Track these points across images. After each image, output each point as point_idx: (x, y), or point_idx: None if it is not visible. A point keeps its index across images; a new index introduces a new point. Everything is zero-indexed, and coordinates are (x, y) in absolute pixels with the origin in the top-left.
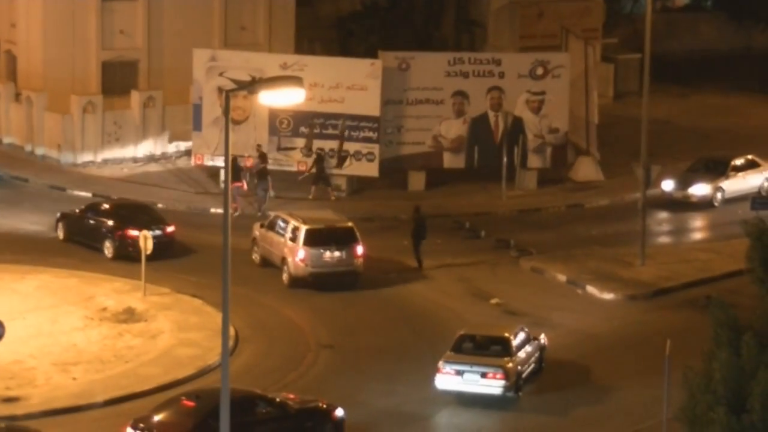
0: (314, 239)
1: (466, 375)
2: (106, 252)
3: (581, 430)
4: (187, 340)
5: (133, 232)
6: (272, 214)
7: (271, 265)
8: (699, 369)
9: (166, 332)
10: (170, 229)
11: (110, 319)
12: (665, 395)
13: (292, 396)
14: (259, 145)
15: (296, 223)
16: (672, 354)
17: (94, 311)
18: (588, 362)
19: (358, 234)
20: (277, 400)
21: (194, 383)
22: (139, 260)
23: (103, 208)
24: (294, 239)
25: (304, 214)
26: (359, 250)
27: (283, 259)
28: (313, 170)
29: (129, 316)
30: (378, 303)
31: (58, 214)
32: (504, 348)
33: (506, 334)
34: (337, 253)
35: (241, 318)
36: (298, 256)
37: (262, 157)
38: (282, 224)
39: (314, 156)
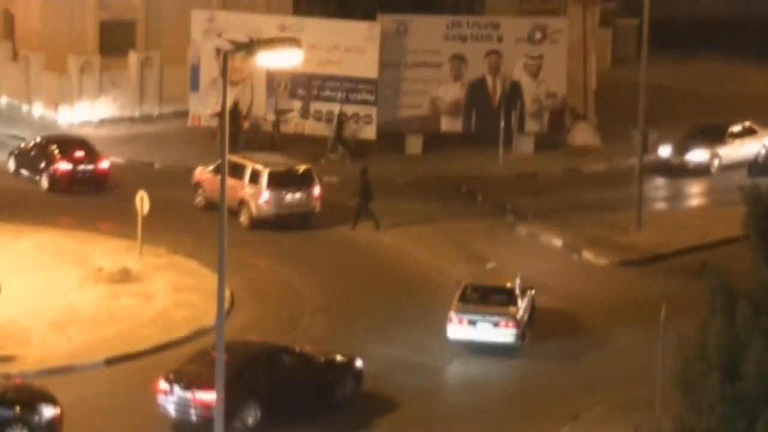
0: (276, 182)
1: (479, 324)
2: (42, 184)
3: (576, 396)
4: (183, 301)
5: (64, 165)
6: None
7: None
8: (693, 335)
9: (161, 293)
10: (103, 164)
11: (106, 279)
12: (660, 361)
13: (308, 348)
14: (235, 102)
15: (256, 167)
16: (667, 320)
17: (90, 271)
18: (583, 328)
19: (315, 176)
20: (302, 352)
21: (189, 345)
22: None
23: (44, 142)
24: (255, 182)
25: (260, 158)
26: (317, 191)
27: (242, 202)
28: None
29: (125, 276)
30: (373, 266)
31: (13, 149)
32: (509, 297)
33: (509, 285)
34: (297, 195)
35: (238, 280)
36: (262, 198)
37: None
38: (237, 167)
39: (335, 119)
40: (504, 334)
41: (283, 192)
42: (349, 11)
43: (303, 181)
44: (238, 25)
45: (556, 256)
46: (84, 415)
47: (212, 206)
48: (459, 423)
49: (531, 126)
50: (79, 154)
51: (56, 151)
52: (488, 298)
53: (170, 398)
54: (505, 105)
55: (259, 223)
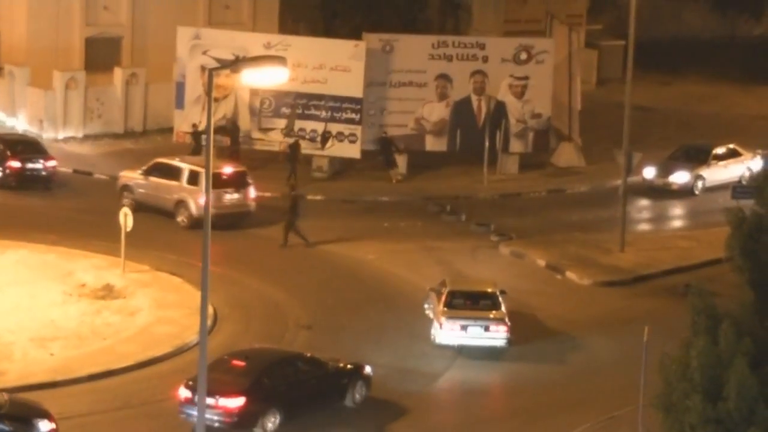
0: (216, 182)
1: (470, 329)
2: None
3: (558, 415)
4: (166, 318)
5: (13, 163)
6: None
7: (149, 209)
8: (676, 356)
9: (144, 309)
10: (51, 163)
11: (89, 295)
12: (642, 382)
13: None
14: (194, 125)
15: (195, 168)
16: (650, 341)
17: (72, 287)
18: (565, 348)
19: (250, 178)
20: (315, 358)
21: (172, 362)
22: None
23: None
24: (194, 183)
25: (194, 160)
26: (252, 192)
27: (179, 203)
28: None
29: (108, 292)
30: (356, 284)
31: None
32: (493, 301)
33: (491, 289)
34: (235, 195)
35: (221, 296)
36: (203, 199)
37: (196, 135)
38: (172, 170)
39: (382, 138)
40: (495, 337)
41: (223, 193)
42: (334, 30)
43: (239, 182)
44: (224, 42)
45: (540, 276)
46: (68, 431)
47: (141, 208)
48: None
49: (516, 146)
50: (29, 153)
51: (8, 150)
52: (475, 303)
53: (191, 405)
54: (490, 125)
55: (198, 224)
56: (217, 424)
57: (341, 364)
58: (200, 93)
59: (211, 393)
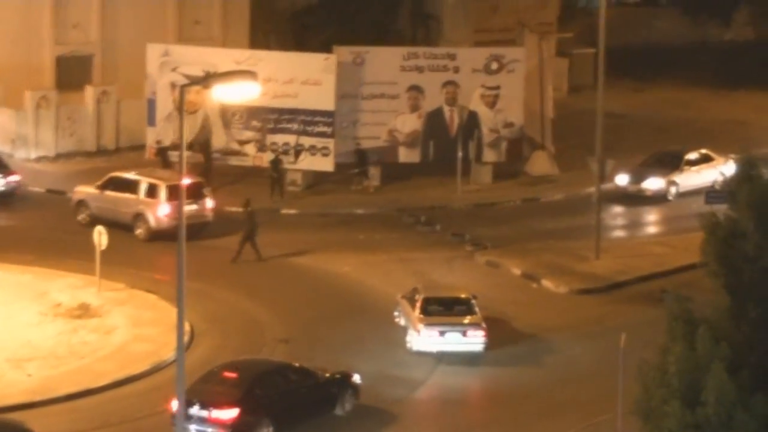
0: (173, 194)
1: (448, 335)
2: None
3: (538, 423)
4: (142, 336)
5: None
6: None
7: (105, 223)
8: (654, 362)
9: (120, 328)
10: (12, 178)
11: (65, 314)
12: (620, 389)
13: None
14: (158, 141)
15: (153, 181)
16: (627, 347)
17: (48, 307)
18: (543, 356)
19: (206, 189)
20: (305, 368)
21: (149, 379)
22: None
23: None
24: (153, 196)
25: (151, 173)
26: (209, 203)
27: (138, 216)
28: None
29: (83, 311)
30: (333, 296)
31: None
32: (468, 307)
33: (464, 295)
34: (194, 206)
35: (197, 312)
36: (162, 212)
37: (162, 151)
38: (129, 183)
39: (357, 149)
40: (473, 342)
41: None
42: (305, 43)
43: (197, 194)
44: (194, 58)
45: (516, 285)
46: None
47: (97, 222)
48: None
49: (489, 156)
50: None
51: None
52: (450, 309)
53: (185, 418)
54: (462, 135)
55: (157, 236)
56: None
57: (330, 374)
58: (171, 110)
59: (204, 405)
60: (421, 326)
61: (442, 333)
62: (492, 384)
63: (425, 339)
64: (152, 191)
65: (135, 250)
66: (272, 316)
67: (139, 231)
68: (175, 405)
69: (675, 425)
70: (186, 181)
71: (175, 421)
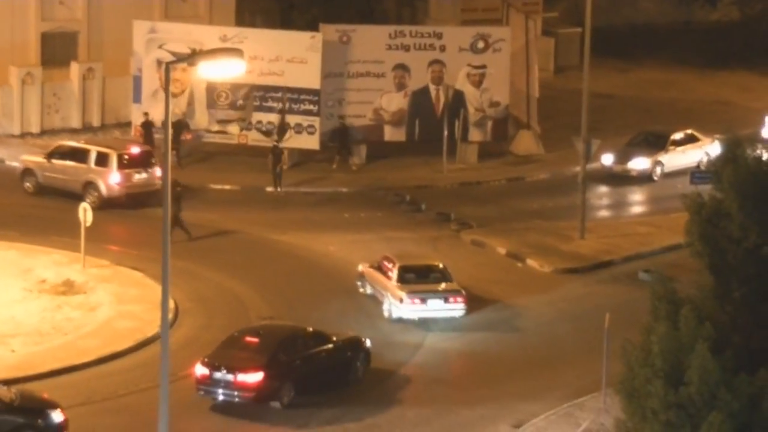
0: (125, 163)
1: (430, 301)
2: None
3: (520, 403)
4: (127, 313)
5: None
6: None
7: (53, 192)
8: (637, 342)
9: (105, 305)
10: None
11: (49, 291)
12: (604, 368)
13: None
14: (145, 113)
15: (103, 150)
16: (611, 327)
17: (32, 283)
18: (527, 335)
19: (156, 158)
20: (321, 332)
21: (133, 356)
22: None
23: None
24: (104, 164)
25: (101, 141)
26: (158, 171)
27: (88, 184)
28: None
29: (68, 288)
30: (317, 275)
31: None
32: (443, 274)
33: (438, 263)
34: (144, 175)
35: (182, 290)
36: (113, 180)
37: (146, 125)
38: (78, 152)
39: (338, 125)
40: (454, 308)
41: (131, 173)
42: (291, 21)
43: (146, 162)
44: (180, 36)
45: (501, 264)
46: None
47: (43, 191)
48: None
49: (474, 135)
50: None
51: None
52: (426, 276)
53: (210, 383)
54: (448, 114)
55: (107, 204)
56: (237, 400)
57: (346, 337)
58: (157, 87)
59: (230, 369)
60: (403, 294)
61: (424, 300)
62: (473, 366)
63: (408, 306)
64: (102, 160)
65: (67, 216)
66: (256, 294)
67: (90, 200)
68: (198, 369)
69: (658, 404)
70: (136, 149)
71: (199, 385)
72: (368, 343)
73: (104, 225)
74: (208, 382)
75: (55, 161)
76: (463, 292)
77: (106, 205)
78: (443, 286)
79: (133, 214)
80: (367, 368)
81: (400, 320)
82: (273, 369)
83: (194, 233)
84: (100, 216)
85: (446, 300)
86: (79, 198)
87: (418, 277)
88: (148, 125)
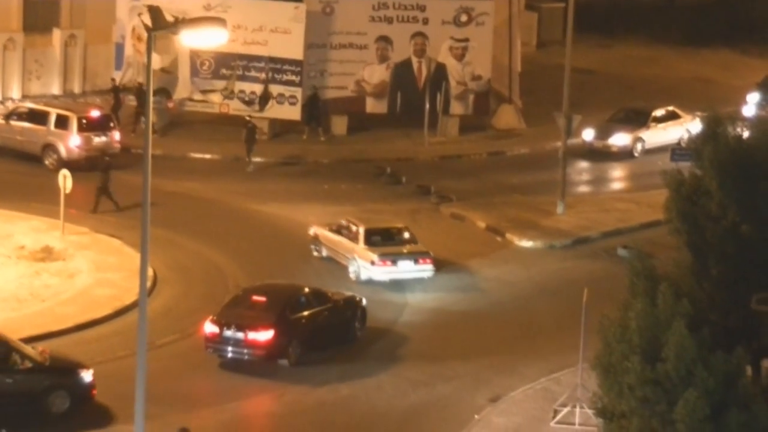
0: (84, 126)
1: (400, 263)
2: None
3: (496, 378)
4: (105, 280)
5: None
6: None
7: (9, 153)
8: (615, 318)
9: (83, 272)
10: None
11: (28, 257)
12: (582, 343)
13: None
14: (113, 79)
15: (63, 113)
16: (589, 302)
17: (11, 249)
18: (505, 309)
19: (114, 121)
20: (323, 291)
21: (111, 324)
22: None
23: None
24: (64, 127)
25: (60, 104)
26: (116, 135)
27: (48, 146)
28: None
29: (47, 255)
30: (296, 246)
31: None
32: (410, 236)
33: (401, 225)
34: (103, 138)
35: (161, 259)
36: (73, 142)
37: (116, 90)
38: (37, 114)
39: (309, 94)
40: (424, 269)
41: (91, 136)
42: None
43: (105, 126)
44: (164, 4)
45: (480, 238)
46: None
47: (1, 152)
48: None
49: (456, 108)
50: None
51: None
52: (392, 238)
53: (220, 341)
54: (430, 87)
55: (66, 166)
56: (246, 358)
57: (345, 296)
58: (132, 54)
59: (240, 327)
60: (374, 256)
61: (395, 262)
62: (452, 340)
63: (379, 269)
64: (62, 122)
65: (45, 182)
66: (235, 264)
67: (49, 161)
68: (208, 327)
69: (635, 380)
70: (95, 113)
71: (208, 344)
72: (364, 302)
73: (83, 192)
74: (218, 341)
75: (13, 123)
76: (431, 253)
77: (65, 167)
78: (411, 247)
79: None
80: (363, 327)
81: (369, 282)
82: (282, 327)
83: (175, 203)
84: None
85: (416, 261)
86: (37, 160)
87: (385, 239)
88: (116, 90)
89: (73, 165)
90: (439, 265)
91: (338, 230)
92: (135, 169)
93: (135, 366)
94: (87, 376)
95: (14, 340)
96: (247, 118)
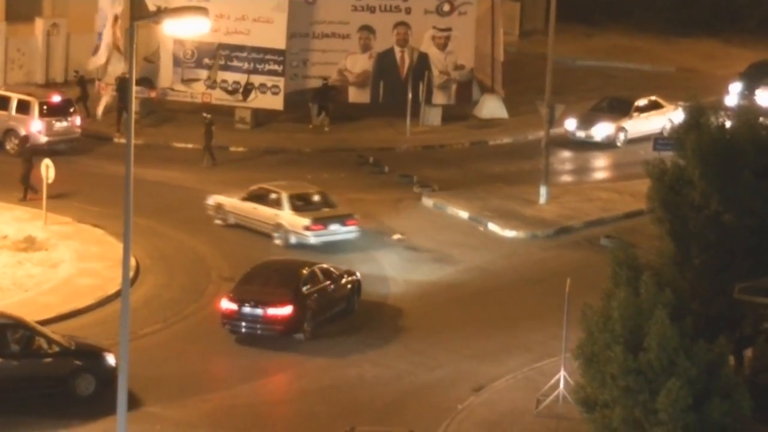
0: (46, 111)
1: (331, 226)
2: None
3: (480, 367)
4: (88, 270)
5: None
6: None
7: None
8: (598, 307)
9: (66, 261)
10: None
11: (10, 247)
12: (564, 333)
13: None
14: (76, 71)
15: (24, 98)
16: (572, 292)
17: None
18: (488, 299)
19: (76, 107)
20: (325, 267)
21: (94, 313)
22: None
23: None
24: (25, 112)
25: (20, 89)
26: (78, 120)
27: (8, 131)
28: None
29: (29, 244)
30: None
31: None
32: (328, 199)
33: (319, 188)
34: (64, 123)
35: (143, 248)
36: (36, 128)
37: (81, 81)
38: None
39: (320, 86)
40: (351, 230)
41: (53, 121)
42: None
43: (67, 111)
44: None
45: (463, 228)
46: None
47: None
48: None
49: (438, 98)
50: None
51: None
52: (314, 202)
53: (238, 317)
54: (412, 77)
55: (27, 151)
56: (259, 332)
57: (343, 271)
58: (108, 41)
59: (258, 303)
60: (306, 221)
61: (326, 225)
62: (435, 325)
63: (315, 233)
64: (24, 107)
65: (6, 168)
66: (218, 253)
67: (10, 146)
68: (224, 304)
69: (617, 370)
70: (57, 98)
71: (225, 320)
72: (358, 275)
73: (67, 182)
74: (236, 317)
75: None
76: (355, 215)
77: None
78: (338, 210)
79: (92, 172)
80: (359, 300)
81: (300, 247)
82: (299, 302)
83: (157, 192)
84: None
85: (343, 223)
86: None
87: (308, 204)
88: (81, 81)
89: (35, 150)
90: (421, 254)
91: (250, 198)
92: (110, 157)
93: (118, 355)
94: (111, 359)
95: (39, 326)
96: (204, 115)
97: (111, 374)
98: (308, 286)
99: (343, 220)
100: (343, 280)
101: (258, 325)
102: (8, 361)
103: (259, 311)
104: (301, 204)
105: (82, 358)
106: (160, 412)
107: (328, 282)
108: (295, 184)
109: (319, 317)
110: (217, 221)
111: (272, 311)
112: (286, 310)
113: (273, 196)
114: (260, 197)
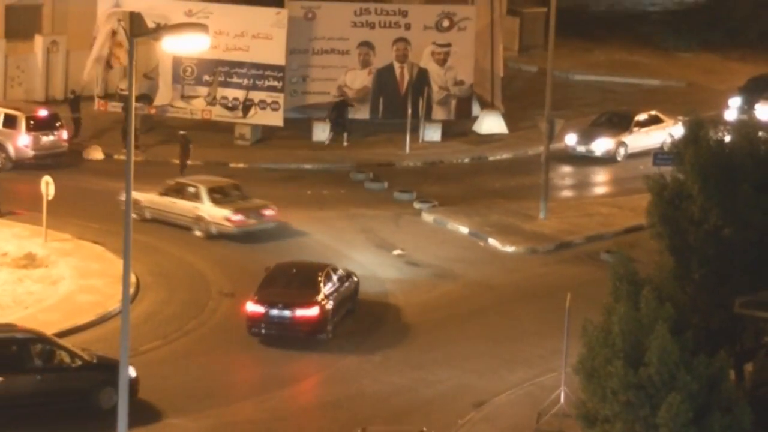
0: (33, 126)
1: (252, 215)
2: None
3: (480, 382)
4: (88, 287)
5: None
6: None
7: None
8: (598, 322)
9: (66, 278)
10: None
11: (10, 264)
12: (565, 348)
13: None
14: (72, 91)
15: (11, 112)
16: (572, 307)
17: None
18: (488, 314)
19: (62, 121)
20: (336, 268)
21: (94, 330)
22: None
23: None
24: (12, 126)
25: (8, 104)
26: (65, 134)
27: None
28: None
29: (29, 261)
30: (281, 252)
31: None
32: (240, 190)
33: (231, 180)
34: (51, 137)
35: (143, 265)
36: (22, 142)
37: (75, 101)
38: None
39: (336, 101)
40: (269, 221)
41: (40, 135)
42: None
43: (53, 125)
44: (145, 10)
45: (463, 243)
46: None
47: None
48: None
49: (438, 114)
50: None
51: None
52: (231, 195)
53: (265, 320)
54: (412, 92)
55: (17, 165)
56: (293, 335)
57: (347, 272)
58: (98, 54)
59: (286, 306)
60: (227, 213)
61: (247, 215)
62: (436, 340)
63: (241, 224)
64: (11, 122)
65: (27, 189)
66: (218, 269)
67: None
68: (252, 308)
69: (618, 385)
70: (43, 112)
71: (252, 323)
72: (356, 277)
73: (67, 200)
74: (262, 319)
75: None
76: (274, 206)
77: (13, 168)
78: (257, 201)
79: (90, 188)
80: (357, 300)
81: (221, 238)
82: (323, 302)
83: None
84: (24, 184)
85: (261, 213)
86: (16, 166)
87: (225, 197)
88: (75, 101)
89: (22, 165)
90: (421, 269)
91: (168, 193)
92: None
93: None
94: (132, 372)
95: (59, 340)
96: (181, 132)
97: (132, 386)
98: (328, 287)
99: (260, 209)
100: (348, 281)
101: (286, 328)
102: (32, 375)
103: (287, 313)
104: (219, 197)
105: (104, 372)
106: (164, 425)
107: (339, 283)
108: (210, 178)
109: (335, 317)
110: (134, 216)
111: (300, 312)
112: (314, 311)
113: (191, 189)
114: (178, 191)
